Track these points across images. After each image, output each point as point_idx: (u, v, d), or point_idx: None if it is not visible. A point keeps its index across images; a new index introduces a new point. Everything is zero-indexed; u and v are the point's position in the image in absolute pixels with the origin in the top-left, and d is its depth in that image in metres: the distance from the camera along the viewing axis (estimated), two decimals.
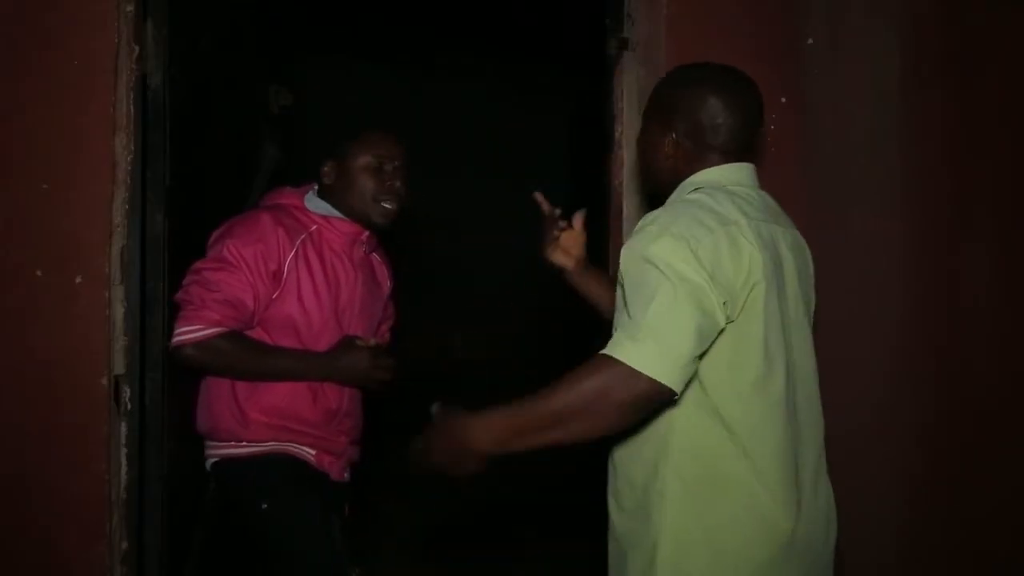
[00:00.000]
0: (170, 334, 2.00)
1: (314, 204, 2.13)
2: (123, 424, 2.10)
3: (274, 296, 2.02)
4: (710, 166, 1.53)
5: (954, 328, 2.40)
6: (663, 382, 1.29)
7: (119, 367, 2.09)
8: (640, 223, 1.44)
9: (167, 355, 2.24)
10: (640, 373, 1.29)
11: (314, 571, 2.01)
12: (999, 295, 2.40)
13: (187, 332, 1.95)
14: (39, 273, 2.04)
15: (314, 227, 2.10)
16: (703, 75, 1.56)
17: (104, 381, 2.07)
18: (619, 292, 1.47)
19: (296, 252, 2.04)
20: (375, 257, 2.29)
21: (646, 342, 1.29)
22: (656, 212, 1.44)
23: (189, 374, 2.09)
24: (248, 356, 2.00)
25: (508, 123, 8.11)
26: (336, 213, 2.12)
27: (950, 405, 2.39)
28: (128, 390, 2.10)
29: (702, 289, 1.32)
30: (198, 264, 2.02)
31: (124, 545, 2.10)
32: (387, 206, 2.11)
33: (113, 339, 2.08)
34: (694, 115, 1.52)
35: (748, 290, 1.37)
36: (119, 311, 2.09)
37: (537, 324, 7.86)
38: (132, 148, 2.10)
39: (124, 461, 2.10)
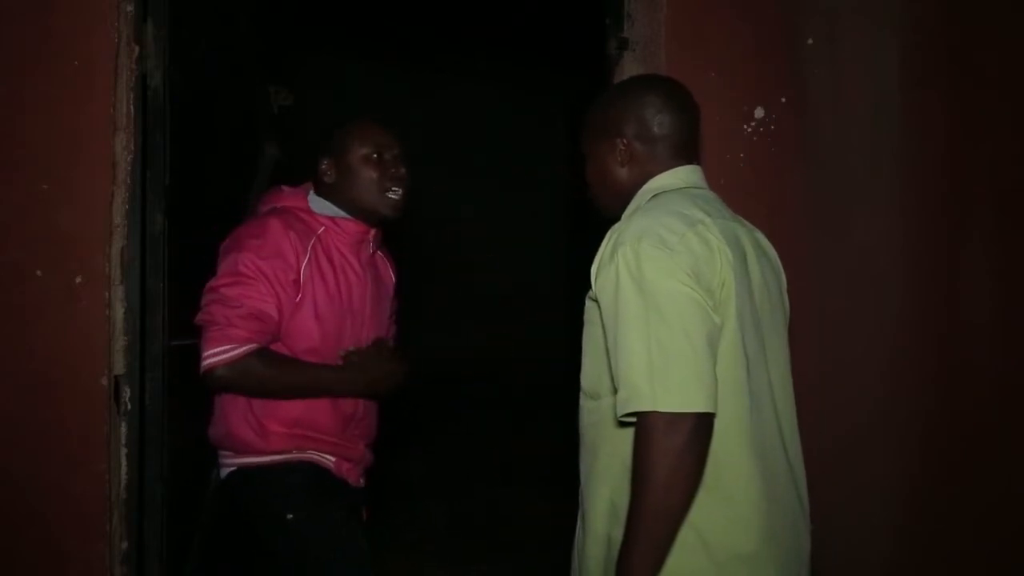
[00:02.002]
0: (197, 357, 1.91)
1: (319, 205, 2.06)
2: (123, 424, 2.10)
3: (296, 302, 1.96)
4: (664, 168, 1.54)
5: (954, 328, 2.40)
6: (701, 411, 1.28)
7: (119, 367, 2.09)
8: (607, 240, 1.42)
9: (167, 355, 2.24)
10: (675, 414, 1.27)
11: None
12: (999, 295, 2.40)
13: (217, 354, 1.86)
14: (39, 273, 2.05)
15: (321, 229, 2.03)
16: (635, 82, 1.63)
17: (104, 381, 2.07)
18: (590, 308, 1.46)
19: (310, 258, 1.98)
20: (379, 255, 2.23)
21: (663, 379, 1.28)
22: (620, 226, 1.42)
23: (191, 377, 2.07)
24: (280, 374, 1.92)
25: (508, 123, 8.12)
26: (341, 213, 2.05)
27: (950, 405, 2.39)
28: (128, 390, 2.10)
29: (693, 299, 1.32)
30: (213, 283, 1.94)
31: (124, 545, 2.10)
32: (394, 195, 2.04)
33: (113, 339, 2.08)
34: (637, 113, 1.54)
35: (721, 287, 1.37)
36: (119, 311, 2.09)
37: (539, 323, 7.87)
38: (132, 148, 2.10)
39: (124, 461, 2.10)
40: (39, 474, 2.05)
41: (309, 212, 2.05)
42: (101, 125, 2.07)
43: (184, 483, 2.40)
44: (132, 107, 2.10)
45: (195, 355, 1.93)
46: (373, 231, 2.12)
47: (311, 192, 2.10)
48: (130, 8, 2.09)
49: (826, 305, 2.37)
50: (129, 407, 2.10)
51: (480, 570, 3.85)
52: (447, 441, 6.04)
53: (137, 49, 2.11)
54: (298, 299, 1.95)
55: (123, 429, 2.10)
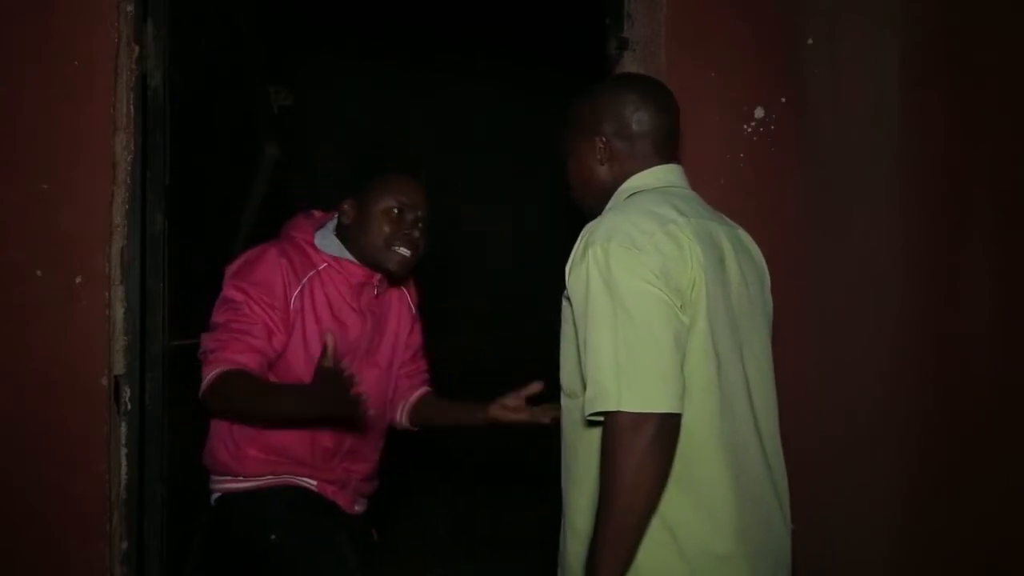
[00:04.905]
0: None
1: (324, 242, 2.05)
2: (123, 424, 2.10)
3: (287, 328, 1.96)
4: (643, 167, 1.54)
5: (954, 328, 2.40)
6: (666, 411, 1.29)
7: (119, 367, 2.09)
8: (580, 239, 1.42)
9: (167, 355, 2.24)
10: (640, 414, 1.28)
11: None
12: (999, 295, 2.40)
13: (203, 382, 1.90)
14: (39, 273, 2.05)
15: (323, 266, 2.02)
16: (615, 81, 1.65)
17: (104, 381, 2.07)
18: (565, 307, 1.47)
19: (302, 289, 1.97)
20: (396, 294, 2.19)
21: (629, 379, 1.29)
22: (593, 224, 1.43)
23: (191, 377, 2.07)
24: (247, 393, 1.88)
25: (507, 123, 8.11)
26: (347, 255, 2.04)
27: (949, 405, 2.39)
28: (128, 390, 2.11)
29: (660, 299, 1.33)
30: (212, 318, 1.96)
31: (124, 545, 2.10)
32: (401, 252, 2.02)
33: (113, 339, 2.08)
34: (617, 112, 1.54)
35: (691, 287, 1.37)
36: (119, 311, 2.09)
37: (540, 323, 7.85)
38: (132, 148, 2.10)
39: (124, 461, 2.10)
40: (39, 474, 2.05)
41: (313, 247, 2.04)
42: (101, 125, 2.07)
43: (184, 483, 2.39)
44: (132, 107, 2.10)
45: (196, 355, 1.95)
46: (378, 276, 2.09)
47: (323, 227, 2.09)
48: (130, 8, 2.09)
49: (826, 305, 2.37)
50: (129, 407, 2.11)
51: (480, 570, 3.85)
52: (447, 441, 6.02)
53: (137, 49, 2.11)
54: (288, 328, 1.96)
55: (123, 429, 2.10)
